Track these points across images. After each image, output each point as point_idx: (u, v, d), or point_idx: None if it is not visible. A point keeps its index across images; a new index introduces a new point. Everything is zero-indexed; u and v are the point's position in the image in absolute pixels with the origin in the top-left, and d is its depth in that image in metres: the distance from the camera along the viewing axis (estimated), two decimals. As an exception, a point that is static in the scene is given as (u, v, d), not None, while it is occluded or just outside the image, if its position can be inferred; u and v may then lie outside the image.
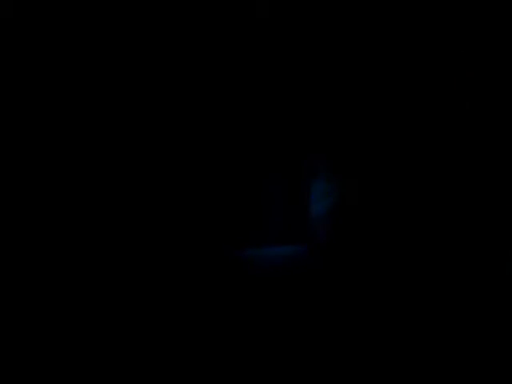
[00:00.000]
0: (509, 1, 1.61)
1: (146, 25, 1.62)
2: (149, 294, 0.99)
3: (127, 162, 1.36)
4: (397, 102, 1.75)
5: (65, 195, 1.12)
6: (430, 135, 1.74)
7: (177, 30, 1.64)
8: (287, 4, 1.70)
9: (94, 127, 1.49)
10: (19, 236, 1.08)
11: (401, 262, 1.66)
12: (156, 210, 1.05)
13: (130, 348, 1.00)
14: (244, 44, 1.69)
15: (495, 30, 1.63)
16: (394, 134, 1.77)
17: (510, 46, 1.62)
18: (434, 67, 1.70)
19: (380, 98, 1.74)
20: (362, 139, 1.78)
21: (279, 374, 1.16)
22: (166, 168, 1.18)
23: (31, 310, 1.02)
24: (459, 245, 1.67)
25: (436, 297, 1.50)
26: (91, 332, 1.02)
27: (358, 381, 1.16)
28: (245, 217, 1.44)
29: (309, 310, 1.45)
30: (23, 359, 0.99)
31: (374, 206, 1.83)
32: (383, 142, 1.78)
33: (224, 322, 1.13)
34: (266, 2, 1.68)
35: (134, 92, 1.59)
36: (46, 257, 1.06)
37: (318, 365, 1.21)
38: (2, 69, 1.49)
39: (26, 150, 1.33)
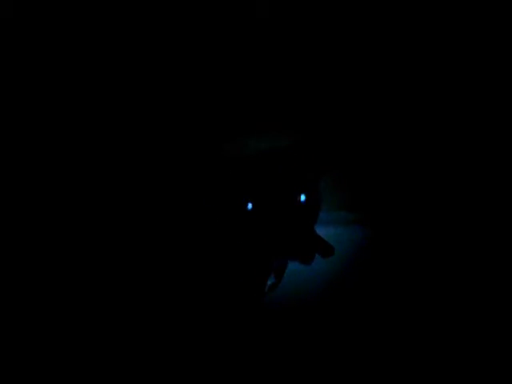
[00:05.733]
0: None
1: (145, 24, 1.62)
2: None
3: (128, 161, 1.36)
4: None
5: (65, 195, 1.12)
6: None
7: (175, 29, 1.64)
8: (287, 4, 1.70)
9: (94, 127, 1.49)
10: (19, 236, 1.09)
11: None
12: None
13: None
14: (244, 44, 1.68)
15: (495, 30, 1.63)
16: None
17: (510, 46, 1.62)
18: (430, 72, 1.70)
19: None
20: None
21: None
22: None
23: (31, 310, 1.03)
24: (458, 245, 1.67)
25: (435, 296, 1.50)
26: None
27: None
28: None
29: None
30: (23, 359, 1.00)
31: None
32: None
33: None
34: (266, 1, 1.68)
35: (133, 92, 1.59)
36: (45, 257, 1.06)
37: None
38: (1, 69, 1.48)
39: (25, 149, 1.33)
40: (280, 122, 1.69)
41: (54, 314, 1.01)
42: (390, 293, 1.44)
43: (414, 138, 1.74)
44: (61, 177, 1.20)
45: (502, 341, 1.23)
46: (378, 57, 1.71)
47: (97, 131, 1.46)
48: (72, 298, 1.01)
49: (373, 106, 1.73)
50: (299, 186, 0.88)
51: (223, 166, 0.92)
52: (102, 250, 1.02)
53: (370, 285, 1.48)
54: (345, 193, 1.79)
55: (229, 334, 1.00)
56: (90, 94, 1.54)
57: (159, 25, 1.61)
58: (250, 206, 0.85)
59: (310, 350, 1.22)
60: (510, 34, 1.61)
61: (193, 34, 1.65)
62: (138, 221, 1.02)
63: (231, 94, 1.71)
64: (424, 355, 1.22)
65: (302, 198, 0.88)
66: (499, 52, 1.64)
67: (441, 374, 1.18)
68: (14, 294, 1.02)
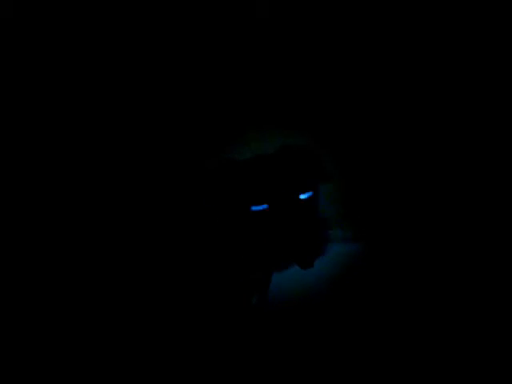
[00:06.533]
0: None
1: (145, 24, 1.62)
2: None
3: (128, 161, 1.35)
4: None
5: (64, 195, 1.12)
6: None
7: (175, 29, 1.64)
8: (287, 4, 1.70)
9: (94, 127, 1.49)
10: (19, 236, 1.08)
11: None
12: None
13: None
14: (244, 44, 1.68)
15: (495, 30, 1.63)
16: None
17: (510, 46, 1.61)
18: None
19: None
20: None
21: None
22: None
23: (31, 310, 1.03)
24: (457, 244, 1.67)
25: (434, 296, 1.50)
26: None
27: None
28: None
29: None
30: (23, 359, 0.99)
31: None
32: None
33: None
34: (266, 1, 1.68)
35: (133, 92, 1.59)
36: (45, 257, 1.06)
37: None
38: (1, 68, 1.48)
39: (25, 149, 1.33)
40: (279, 125, 1.69)
41: (54, 314, 1.01)
42: (384, 307, 1.45)
43: (406, 155, 1.75)
44: (62, 177, 1.20)
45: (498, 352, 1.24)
46: (377, 59, 1.71)
47: (97, 133, 1.46)
48: (72, 298, 1.01)
49: (368, 120, 1.73)
50: (299, 186, 0.88)
51: (223, 168, 0.92)
52: (102, 249, 1.02)
53: (364, 298, 1.49)
54: (340, 211, 1.79)
55: (222, 334, 1.00)
56: (89, 95, 1.54)
57: (159, 25, 1.61)
58: (260, 207, 0.84)
59: (301, 358, 1.22)
60: (510, 34, 1.60)
61: (193, 34, 1.64)
62: (139, 220, 1.02)
63: (232, 97, 1.71)
64: (416, 363, 1.23)
65: (303, 196, 0.87)
66: (499, 52, 1.63)
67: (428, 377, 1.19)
68: (14, 293, 1.02)
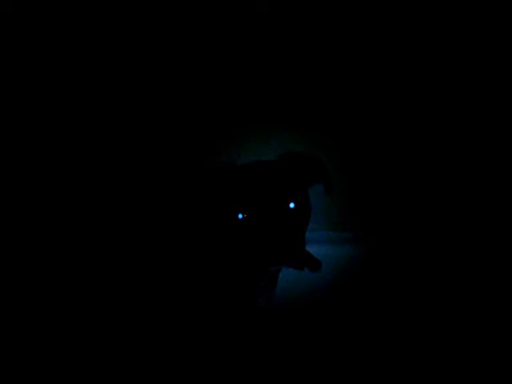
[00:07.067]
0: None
1: (144, 19, 1.61)
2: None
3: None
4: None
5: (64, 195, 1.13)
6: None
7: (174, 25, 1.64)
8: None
9: (94, 127, 1.50)
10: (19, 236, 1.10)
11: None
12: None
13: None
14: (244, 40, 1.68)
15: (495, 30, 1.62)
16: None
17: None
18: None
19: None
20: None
21: None
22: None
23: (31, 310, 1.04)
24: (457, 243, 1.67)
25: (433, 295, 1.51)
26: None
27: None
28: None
29: None
30: (23, 359, 1.01)
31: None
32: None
33: None
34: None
35: (131, 90, 1.59)
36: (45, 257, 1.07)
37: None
38: (1, 66, 1.49)
39: (25, 149, 1.34)
40: (273, 131, 1.68)
41: (54, 314, 1.02)
42: (388, 309, 1.46)
43: (404, 157, 1.73)
44: (61, 176, 1.21)
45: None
46: (384, 57, 1.68)
47: (95, 132, 1.47)
48: (72, 298, 1.02)
49: (371, 123, 1.71)
50: (289, 193, 0.87)
51: (218, 175, 0.91)
52: (99, 253, 1.03)
53: (363, 300, 1.50)
54: (338, 213, 1.79)
55: (228, 335, 1.00)
56: (89, 93, 1.54)
57: (155, 22, 1.60)
58: (240, 215, 0.84)
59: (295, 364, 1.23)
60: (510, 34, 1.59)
61: (191, 32, 1.63)
62: (136, 225, 1.02)
63: (232, 97, 1.70)
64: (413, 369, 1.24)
65: (292, 205, 0.86)
66: (499, 52, 1.62)
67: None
68: (14, 294, 1.03)
